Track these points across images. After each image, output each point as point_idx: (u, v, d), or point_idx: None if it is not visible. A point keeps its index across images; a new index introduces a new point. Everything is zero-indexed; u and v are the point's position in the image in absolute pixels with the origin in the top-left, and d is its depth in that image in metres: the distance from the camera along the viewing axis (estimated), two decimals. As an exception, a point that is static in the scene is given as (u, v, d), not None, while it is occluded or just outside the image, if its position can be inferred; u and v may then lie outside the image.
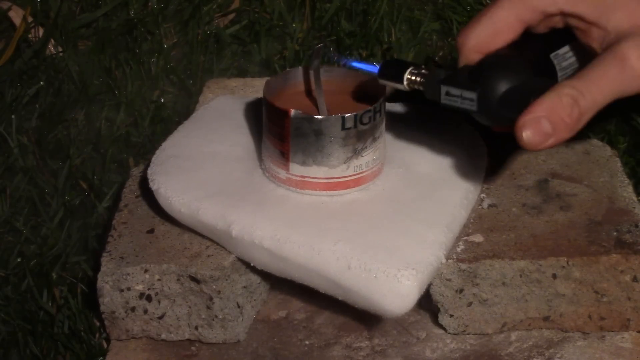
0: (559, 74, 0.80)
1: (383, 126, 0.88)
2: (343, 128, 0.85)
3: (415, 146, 0.93)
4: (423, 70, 0.81)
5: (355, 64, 0.86)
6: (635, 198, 0.93)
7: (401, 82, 0.81)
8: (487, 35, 0.77)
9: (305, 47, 1.34)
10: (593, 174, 0.96)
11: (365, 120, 0.86)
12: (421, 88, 0.80)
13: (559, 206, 0.92)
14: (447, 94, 0.78)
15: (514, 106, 0.74)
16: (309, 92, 0.91)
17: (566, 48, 0.80)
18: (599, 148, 0.99)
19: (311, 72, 0.89)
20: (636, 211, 0.91)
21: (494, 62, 0.77)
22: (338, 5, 1.39)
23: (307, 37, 1.37)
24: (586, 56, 0.77)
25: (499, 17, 0.77)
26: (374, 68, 0.84)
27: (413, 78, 0.81)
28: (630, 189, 0.94)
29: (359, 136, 0.86)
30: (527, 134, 0.72)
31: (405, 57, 1.33)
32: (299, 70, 0.91)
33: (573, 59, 0.80)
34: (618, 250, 0.86)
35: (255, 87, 1.11)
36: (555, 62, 0.79)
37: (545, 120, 0.72)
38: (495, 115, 0.76)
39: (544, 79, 0.77)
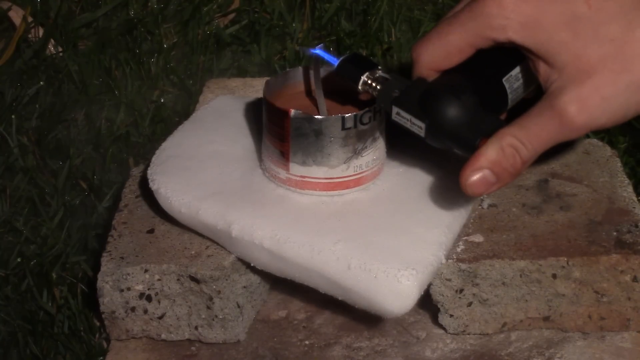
0: (510, 95, 0.81)
1: (383, 126, 0.88)
2: (343, 128, 0.85)
3: (416, 146, 0.93)
4: (380, 74, 0.82)
5: (319, 53, 0.86)
6: (635, 198, 0.93)
7: (357, 84, 0.83)
8: (439, 55, 0.79)
9: (305, 47, 1.34)
10: (593, 174, 0.96)
11: (365, 120, 0.86)
12: (374, 94, 0.82)
13: (559, 206, 0.92)
14: (398, 114, 0.80)
15: (461, 143, 0.78)
16: (309, 92, 0.91)
17: (517, 69, 0.81)
18: (599, 148, 0.99)
19: (311, 72, 0.89)
20: (636, 211, 0.91)
21: (446, 93, 0.79)
22: (338, 5, 1.39)
23: (307, 37, 1.37)
24: (534, 79, 0.79)
25: (450, 40, 0.78)
26: (335, 60, 0.85)
27: (369, 82, 0.82)
28: (630, 189, 0.94)
29: (359, 136, 0.86)
30: (471, 184, 0.77)
31: (405, 57, 1.33)
32: (299, 70, 0.91)
33: (521, 81, 0.82)
34: (618, 250, 0.86)
35: (255, 87, 1.11)
36: (507, 85, 0.81)
37: (489, 172, 0.77)
38: (441, 145, 0.80)
39: (492, 116, 0.79)
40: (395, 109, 0.80)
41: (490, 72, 0.80)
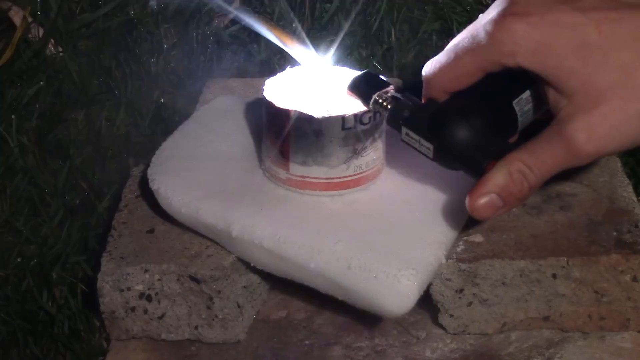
0: (520, 119, 0.82)
1: (383, 126, 0.88)
2: (343, 128, 0.86)
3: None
4: (392, 94, 0.83)
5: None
6: (635, 198, 0.93)
7: (368, 103, 0.84)
8: (449, 78, 0.80)
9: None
10: (593, 173, 0.96)
11: (365, 120, 0.86)
12: (385, 113, 0.83)
13: (559, 206, 0.92)
14: (407, 135, 0.81)
15: (469, 166, 0.79)
16: (309, 92, 0.91)
17: (527, 93, 0.81)
18: (599, 148, 0.99)
19: (313, 69, 0.89)
20: (636, 211, 0.91)
21: (455, 115, 0.79)
22: (338, 5, 1.39)
23: (307, 37, 1.37)
24: (544, 102, 0.79)
25: (460, 63, 0.79)
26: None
27: (380, 102, 0.83)
28: (630, 189, 0.94)
29: (359, 136, 0.86)
30: (478, 208, 0.78)
31: (405, 57, 1.33)
32: (299, 70, 0.91)
33: (532, 104, 0.82)
34: (618, 250, 0.86)
35: (255, 87, 1.11)
36: (517, 109, 0.81)
37: (496, 197, 0.78)
38: (449, 167, 0.80)
39: (500, 139, 0.79)
40: (404, 130, 0.81)
41: (500, 95, 0.81)
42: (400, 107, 0.82)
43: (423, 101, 0.82)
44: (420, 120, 0.80)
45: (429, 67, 0.81)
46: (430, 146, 0.79)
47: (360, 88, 0.85)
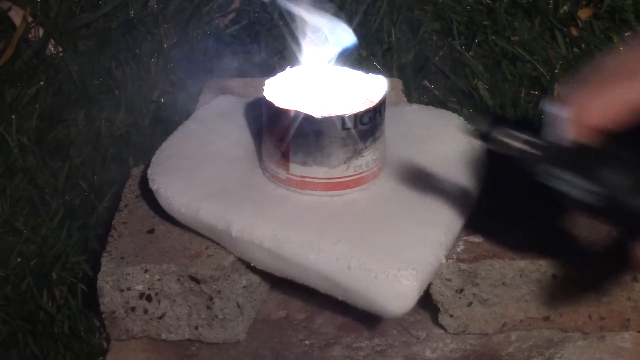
0: None
1: (383, 126, 0.88)
2: (343, 128, 0.86)
3: (416, 146, 0.93)
4: (532, 137, 0.71)
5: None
6: (635, 198, 0.93)
7: (514, 149, 0.70)
8: (597, 112, 0.66)
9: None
10: (593, 174, 0.96)
11: (365, 120, 0.86)
12: (529, 158, 0.70)
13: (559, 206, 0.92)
14: (555, 176, 0.69)
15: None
16: (309, 92, 0.91)
17: None
18: (599, 148, 0.99)
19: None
20: (636, 211, 0.91)
21: (628, 161, 0.68)
22: (338, 5, 1.39)
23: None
24: None
25: (616, 95, 0.66)
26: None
27: (524, 145, 0.70)
28: (630, 189, 0.94)
29: (359, 136, 0.86)
30: None
31: (405, 57, 1.33)
32: (299, 69, 0.91)
33: None
34: (618, 250, 0.86)
35: (255, 87, 1.11)
36: None
37: None
38: (619, 218, 0.71)
39: None
40: (552, 170, 0.69)
41: None
42: (548, 150, 0.69)
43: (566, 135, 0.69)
44: (580, 162, 0.68)
45: (577, 95, 0.67)
46: (600, 191, 0.68)
47: (485, 131, 0.71)
